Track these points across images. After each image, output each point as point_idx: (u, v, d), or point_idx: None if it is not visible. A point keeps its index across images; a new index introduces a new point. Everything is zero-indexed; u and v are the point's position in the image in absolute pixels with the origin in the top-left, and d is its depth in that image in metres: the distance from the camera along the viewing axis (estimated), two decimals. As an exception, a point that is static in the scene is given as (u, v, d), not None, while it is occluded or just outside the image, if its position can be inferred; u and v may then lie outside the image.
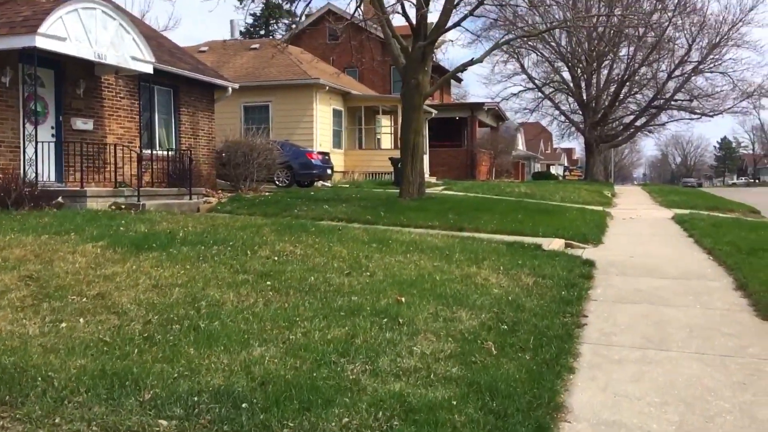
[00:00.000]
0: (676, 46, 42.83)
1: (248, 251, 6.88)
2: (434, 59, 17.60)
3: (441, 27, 13.44)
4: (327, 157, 21.69)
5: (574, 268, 7.71)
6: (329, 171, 21.48)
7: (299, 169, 20.56)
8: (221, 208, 12.53)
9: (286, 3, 52.97)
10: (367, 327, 4.60)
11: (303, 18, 28.66)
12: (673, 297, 6.71)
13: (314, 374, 3.71)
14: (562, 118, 50.41)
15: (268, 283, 5.68)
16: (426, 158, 29.22)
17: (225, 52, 26.62)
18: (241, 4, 47.53)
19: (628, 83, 45.81)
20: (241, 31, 48.97)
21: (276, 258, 6.68)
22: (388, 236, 8.68)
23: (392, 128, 27.06)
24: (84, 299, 5.03)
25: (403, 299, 5.34)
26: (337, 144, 25.39)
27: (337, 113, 25.34)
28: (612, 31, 44.47)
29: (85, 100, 13.13)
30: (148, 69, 13.22)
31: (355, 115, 26.10)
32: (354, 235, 8.53)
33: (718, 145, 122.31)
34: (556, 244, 9.88)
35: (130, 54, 12.66)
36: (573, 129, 51.64)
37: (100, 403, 3.24)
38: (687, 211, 17.26)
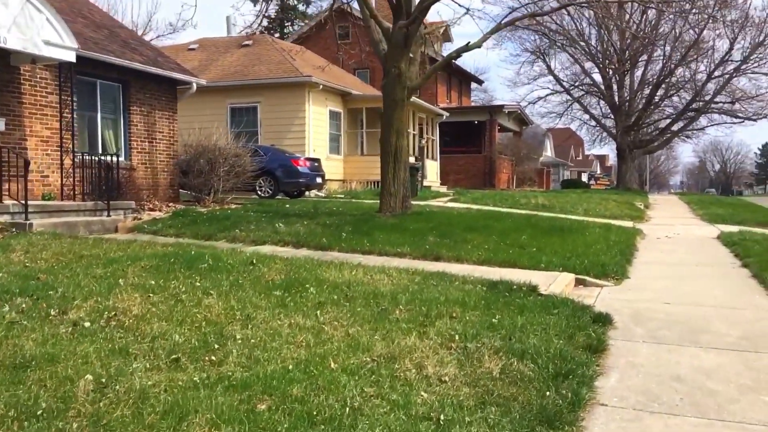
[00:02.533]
0: (716, 44, 39.63)
1: (57, 308, 4.39)
2: (426, 47, 15.03)
3: (425, 0, 10.84)
4: (317, 164, 19.23)
5: (577, 332, 5.04)
6: (319, 179, 19.02)
7: (283, 177, 18.14)
8: (148, 227, 10.11)
9: (302, 4, 51.07)
10: None
11: (312, 15, 26.49)
12: (737, 395, 4.02)
13: None
14: (593, 122, 47.26)
15: None
16: (436, 165, 26.64)
17: (216, 49, 24.43)
18: (255, 6, 45.71)
19: (663, 85, 42.56)
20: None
21: (86, 323, 4.18)
22: (315, 275, 6.13)
23: (410, 132, 24.50)
24: None
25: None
26: (334, 149, 22.94)
27: (334, 115, 22.90)
28: (646, 29, 41.47)
29: (-5, 94, 10.89)
30: (69, 57, 10.91)
31: (357, 117, 23.63)
32: (263, 274, 5.98)
33: (759, 152, 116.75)
34: (561, 282, 7.20)
35: (43, 38, 10.37)
36: (604, 134, 48.46)
37: None
38: (735, 228, 14.33)
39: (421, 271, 6.90)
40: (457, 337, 4.55)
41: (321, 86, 21.01)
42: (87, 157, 11.78)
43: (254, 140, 21.08)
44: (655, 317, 6.04)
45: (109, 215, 10.61)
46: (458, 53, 12.18)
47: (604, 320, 5.64)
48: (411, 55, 11.66)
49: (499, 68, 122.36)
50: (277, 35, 51.05)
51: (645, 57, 42.97)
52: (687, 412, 3.75)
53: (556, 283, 7.09)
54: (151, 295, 4.87)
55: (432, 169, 25.84)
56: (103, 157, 11.47)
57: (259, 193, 18.26)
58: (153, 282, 5.29)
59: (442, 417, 3.19)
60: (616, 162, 51.87)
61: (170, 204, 13.60)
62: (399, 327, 4.67)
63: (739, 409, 3.81)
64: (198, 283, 5.34)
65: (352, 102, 23.40)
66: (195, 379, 3.34)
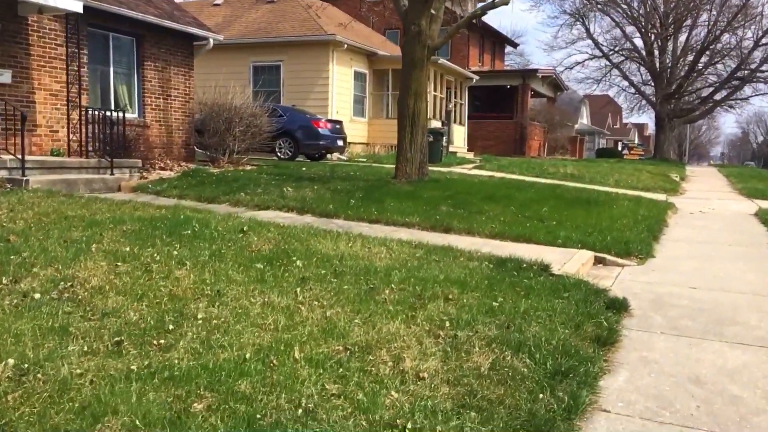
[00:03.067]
0: (764, 10, 37.56)
1: (12, 275, 4.04)
2: (455, 5, 14.23)
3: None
4: (339, 126, 18.68)
5: (587, 320, 4.53)
6: (340, 142, 18.49)
7: (303, 139, 17.66)
8: (152, 187, 9.76)
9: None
10: None
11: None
12: (764, 404, 3.49)
13: None
14: (632, 89, 45.52)
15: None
16: (464, 130, 25.89)
17: (241, 5, 23.79)
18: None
19: (708, 51, 40.63)
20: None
21: (36, 294, 3.81)
22: (307, 246, 5.69)
23: (431, 95, 23.74)
24: None
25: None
26: (359, 112, 22.33)
27: (359, 76, 22.23)
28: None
29: (1, 46, 10.55)
30: (76, 7, 10.48)
31: (383, 79, 22.92)
32: (250, 243, 5.56)
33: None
34: (577, 261, 6.64)
35: (48, -14, 9.96)
36: (643, 102, 46.73)
37: None
38: (775, 205, 13.48)
39: (425, 245, 6.41)
40: (447, 324, 4.07)
41: (345, 46, 20.31)
42: (97, 113, 11.44)
43: (277, 100, 20.60)
44: (679, 304, 5.48)
45: (112, 173, 10.30)
46: (483, 11, 11.43)
47: (619, 306, 5.10)
48: (433, 12, 10.95)
49: (537, 31, 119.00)
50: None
51: (689, 22, 41.03)
52: (703, 425, 3.24)
53: (572, 261, 6.54)
54: (119, 264, 4.49)
55: (459, 135, 25.09)
56: (109, 113, 11.11)
57: (279, 154, 17.84)
58: (127, 249, 4.91)
59: (409, 425, 2.74)
60: (654, 131, 50.09)
61: (183, 163, 13.27)
62: (385, 309, 4.21)
63: (765, 422, 3.29)
64: (175, 252, 4.94)
65: (378, 63, 22.68)
66: (132, 367, 2.94)
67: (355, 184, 10.88)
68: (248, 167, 13.74)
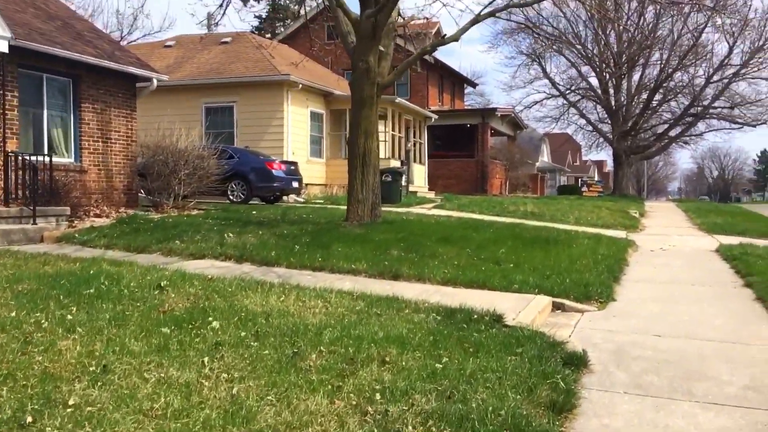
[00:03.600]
0: (714, 48, 38.76)
1: None
2: (409, 43, 14.00)
3: (394, -13, 9.80)
4: (294, 168, 18.16)
5: (541, 382, 3.98)
6: (296, 184, 17.94)
7: (256, 181, 17.06)
8: (79, 237, 9.01)
9: (294, 3, 49.98)
10: None
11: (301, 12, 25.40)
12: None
13: None
14: (589, 127, 46.25)
15: None
16: (424, 169, 25.60)
17: (193, 47, 23.32)
18: (245, 5, 44.84)
19: (661, 89, 41.60)
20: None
21: None
22: (232, 303, 5.07)
23: (389, 134, 23.47)
24: None
25: None
26: (316, 152, 21.87)
27: (316, 116, 21.84)
28: (645, 31, 40.54)
29: None
30: (1, 47, 9.84)
31: (340, 119, 22.56)
32: (163, 301, 4.90)
33: (758, 158, 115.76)
34: (533, 308, 6.13)
35: (-32, 25, 9.32)
36: (601, 139, 47.49)
37: None
38: (735, 240, 13.29)
39: (369, 296, 5.83)
40: (379, 396, 3.48)
41: (300, 86, 19.94)
42: (23, 158, 10.70)
43: (230, 141, 20.03)
44: (642, 355, 4.98)
45: (35, 222, 9.53)
46: (433, 47, 11.17)
47: (578, 362, 4.58)
48: (382, 48, 10.61)
49: (496, 71, 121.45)
50: (268, 36, 50.07)
51: (642, 61, 42.07)
52: None
53: (527, 309, 6.02)
54: (-6, 334, 3.82)
55: (419, 174, 24.79)
56: (34, 158, 10.39)
57: (231, 197, 17.18)
58: (13, 314, 4.23)
59: None
60: (613, 168, 50.82)
61: (122, 210, 12.53)
62: (307, 380, 3.60)
63: None
64: (69, 317, 4.28)
65: (335, 102, 22.34)
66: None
67: (304, 228, 10.30)
68: (194, 212, 13.06)
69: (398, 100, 22.01)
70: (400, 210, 15.92)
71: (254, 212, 13.54)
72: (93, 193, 12.78)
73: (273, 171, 17.10)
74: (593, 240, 12.01)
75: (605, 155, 77.20)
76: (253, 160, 17.33)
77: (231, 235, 9.13)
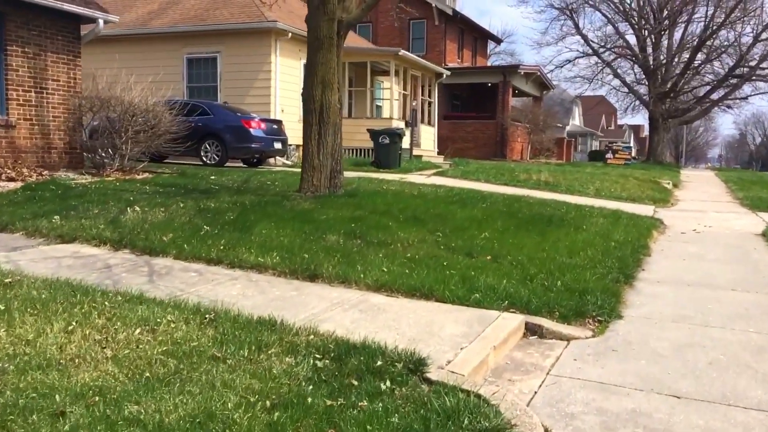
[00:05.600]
0: (764, 3, 35.30)
1: None
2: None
3: None
4: (277, 127, 16.15)
5: None
6: (278, 145, 15.95)
7: (232, 141, 15.10)
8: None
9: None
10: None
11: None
12: None
13: None
14: (625, 89, 43.04)
15: None
16: (433, 131, 23.35)
17: (181, -9, 21.21)
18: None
19: (704, 48, 38.23)
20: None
21: None
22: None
23: (392, 91, 21.22)
24: None
25: None
26: (311, 110, 19.72)
27: (311, 70, 19.63)
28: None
29: None
30: None
31: (342, 74, 20.28)
32: None
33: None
34: (487, 340, 4.07)
35: None
36: (637, 102, 44.29)
37: None
38: (786, 221, 11.00)
39: (230, 318, 3.86)
40: None
41: (290, 35, 17.74)
42: None
43: (213, 96, 18.09)
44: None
45: None
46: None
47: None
48: (345, -25, 8.46)
49: (526, 28, 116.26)
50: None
51: (685, 17, 38.67)
52: None
53: (476, 343, 3.98)
54: None
55: (428, 137, 22.53)
56: None
57: (204, 159, 15.29)
58: None
59: None
60: (648, 133, 47.65)
61: (52, 173, 10.71)
62: None
63: None
64: None
65: (333, 55, 20.07)
66: None
67: (244, 200, 8.33)
68: (139, 176, 11.19)
69: (402, 52, 19.67)
70: (390, 177, 13.85)
71: (213, 177, 11.63)
72: (24, 151, 10.99)
73: (251, 130, 15.11)
74: (610, 219, 9.83)
75: (642, 119, 73.21)
76: (229, 117, 15.35)
77: (137, 209, 7.21)
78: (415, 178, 14.69)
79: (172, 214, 7.16)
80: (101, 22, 11.91)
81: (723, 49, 38.25)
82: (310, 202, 8.17)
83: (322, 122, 8.44)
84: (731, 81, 38.29)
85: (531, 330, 4.57)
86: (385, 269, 5.35)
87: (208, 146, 15.23)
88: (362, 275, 5.11)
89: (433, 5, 29.52)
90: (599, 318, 4.89)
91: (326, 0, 8.16)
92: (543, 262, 6.31)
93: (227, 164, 15.56)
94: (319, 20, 8.35)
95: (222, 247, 5.73)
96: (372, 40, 29.81)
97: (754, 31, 36.63)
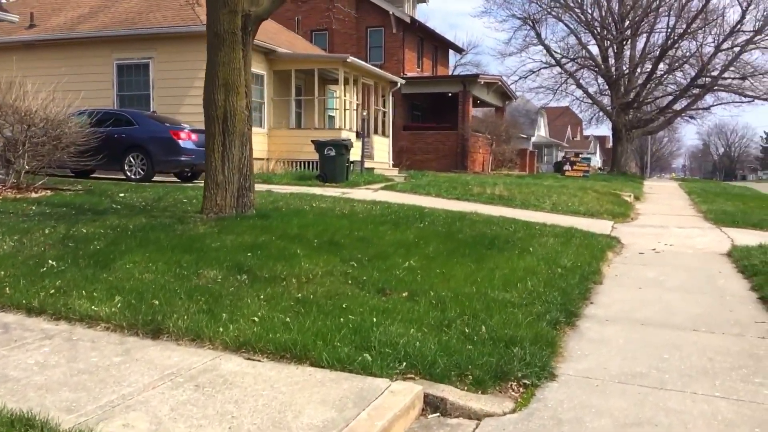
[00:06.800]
0: (725, 14, 35.28)
1: None
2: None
3: None
4: (211, 138, 14.84)
5: None
6: (212, 158, 14.63)
7: (158, 154, 13.80)
8: None
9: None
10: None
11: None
12: None
13: None
14: (588, 99, 42.61)
15: None
16: (387, 143, 22.27)
17: (116, -5, 19.89)
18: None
19: (666, 58, 38.00)
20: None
21: None
22: None
23: (350, 102, 20.11)
24: None
25: None
26: (254, 121, 18.42)
27: (254, 79, 18.45)
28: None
29: None
30: None
31: (287, 82, 19.16)
32: None
33: (765, 135, 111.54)
34: (367, 428, 2.93)
35: None
36: (601, 113, 43.93)
37: None
38: (752, 237, 10.13)
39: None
40: None
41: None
42: None
43: (146, 105, 16.79)
44: None
45: None
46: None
47: None
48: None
49: (492, 41, 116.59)
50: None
51: (646, 27, 38.45)
52: None
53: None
54: None
55: (382, 148, 21.44)
56: None
57: (129, 173, 13.96)
58: None
59: None
60: (612, 143, 47.35)
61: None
62: None
63: None
64: None
65: (279, 62, 18.93)
66: None
67: (133, 223, 7.08)
68: (36, 194, 9.86)
69: (350, 59, 18.57)
70: (330, 192, 12.70)
71: (123, 195, 10.34)
72: None
73: (180, 142, 13.83)
74: (562, 238, 8.81)
75: (606, 130, 73.18)
76: (155, 127, 14.07)
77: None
78: (359, 193, 13.56)
79: (27, 243, 5.89)
80: (-5, 21, 10.57)
81: (685, 59, 38.06)
82: (208, 225, 6.95)
83: (227, 132, 7.26)
84: (693, 91, 38.11)
85: (432, 405, 3.43)
86: (258, 318, 4.18)
87: (132, 159, 13.91)
88: (221, 329, 3.92)
89: (391, 13, 28.59)
90: (525, 381, 3.78)
91: (226, -12, 7.01)
92: (470, 299, 5.19)
93: (155, 179, 14.27)
94: (217, 13, 7.18)
95: (53, 291, 4.50)
96: (328, 49, 28.77)
97: (716, 41, 36.54)
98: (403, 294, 5.24)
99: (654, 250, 9.25)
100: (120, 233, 6.41)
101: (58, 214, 7.85)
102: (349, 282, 5.44)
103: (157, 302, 4.28)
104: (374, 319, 4.39)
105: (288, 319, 4.26)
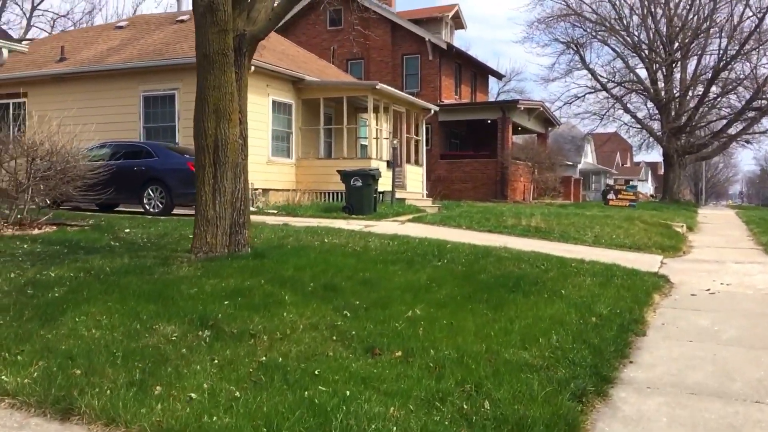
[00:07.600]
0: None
1: None
2: None
3: None
4: (233, 169, 14.33)
5: None
6: (233, 190, 14.10)
7: (176, 187, 13.31)
8: None
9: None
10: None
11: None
12: None
13: None
14: (637, 124, 41.02)
15: None
16: (421, 172, 21.45)
17: (146, 27, 19.87)
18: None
19: (719, 81, 36.28)
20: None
21: None
22: None
23: (380, 131, 19.49)
24: None
25: None
26: (281, 151, 18.04)
27: (282, 108, 18.01)
28: (700, 15, 35.58)
29: None
30: None
31: (316, 110, 18.66)
32: None
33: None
34: None
35: None
36: (651, 139, 42.25)
37: None
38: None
39: None
40: None
41: (253, 68, 16.10)
42: None
43: (171, 137, 16.47)
44: None
45: None
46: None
47: None
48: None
49: (535, 67, 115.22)
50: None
51: (697, 49, 36.88)
52: None
53: None
54: None
55: (415, 177, 20.63)
56: None
57: (147, 207, 13.52)
58: None
59: None
60: (664, 169, 45.41)
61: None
62: None
63: None
64: None
65: (307, 91, 18.46)
66: None
67: (112, 264, 6.43)
68: (38, 231, 9.39)
69: (379, 86, 17.95)
70: (351, 226, 11.92)
71: (129, 231, 9.79)
72: None
73: (198, 174, 13.29)
74: (600, 278, 7.78)
75: (657, 156, 70.63)
76: (174, 159, 13.63)
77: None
78: (383, 226, 12.75)
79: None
80: (5, 52, 10.29)
81: (739, 82, 36.28)
82: (194, 267, 6.24)
83: (218, 162, 6.59)
84: (749, 114, 36.22)
85: None
86: (200, 392, 3.36)
87: (151, 192, 13.48)
88: (144, 409, 3.12)
89: (427, 39, 28.03)
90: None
91: (215, 6, 6.38)
92: (477, 360, 4.29)
93: (176, 212, 13.79)
94: (206, 32, 6.56)
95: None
96: (364, 77, 28.35)
97: (772, 62, 34.75)
98: (396, 354, 4.37)
99: (708, 290, 8.10)
100: (89, 277, 5.75)
101: (44, 254, 7.29)
102: (334, 338, 4.60)
103: (79, 371, 3.51)
104: (347, 393, 3.53)
105: (239, 393, 3.44)
